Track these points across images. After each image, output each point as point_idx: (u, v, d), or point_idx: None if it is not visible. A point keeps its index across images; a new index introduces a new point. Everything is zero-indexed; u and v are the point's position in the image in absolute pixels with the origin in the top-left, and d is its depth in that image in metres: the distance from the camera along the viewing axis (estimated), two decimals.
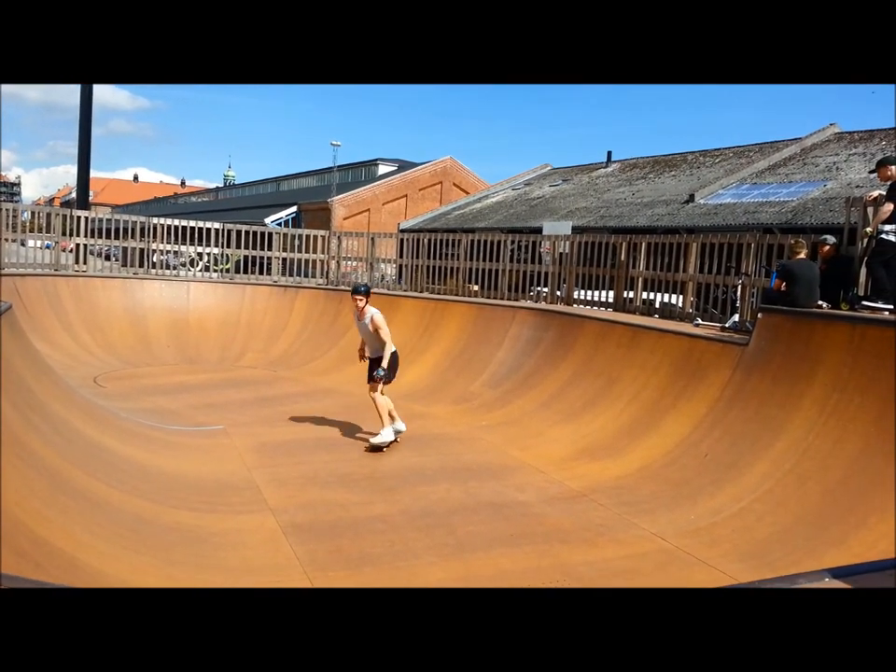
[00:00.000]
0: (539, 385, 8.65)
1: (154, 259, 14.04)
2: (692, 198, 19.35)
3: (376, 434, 7.13)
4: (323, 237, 15.37)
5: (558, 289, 11.82)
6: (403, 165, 41.79)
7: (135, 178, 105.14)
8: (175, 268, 14.44)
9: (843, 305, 6.83)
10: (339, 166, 42.34)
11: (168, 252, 14.38)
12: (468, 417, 8.38)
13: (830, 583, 2.39)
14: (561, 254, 11.89)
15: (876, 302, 6.50)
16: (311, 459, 6.64)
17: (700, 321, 8.89)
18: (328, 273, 15.05)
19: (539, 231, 15.89)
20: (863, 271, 6.97)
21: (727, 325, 8.24)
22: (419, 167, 39.33)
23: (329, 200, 35.31)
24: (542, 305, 11.12)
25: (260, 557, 4.53)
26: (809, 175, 18.36)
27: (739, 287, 8.71)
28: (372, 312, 7.41)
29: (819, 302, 6.87)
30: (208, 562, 4.37)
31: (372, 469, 6.47)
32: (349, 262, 15.36)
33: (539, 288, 12.11)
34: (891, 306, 6.41)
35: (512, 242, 13.02)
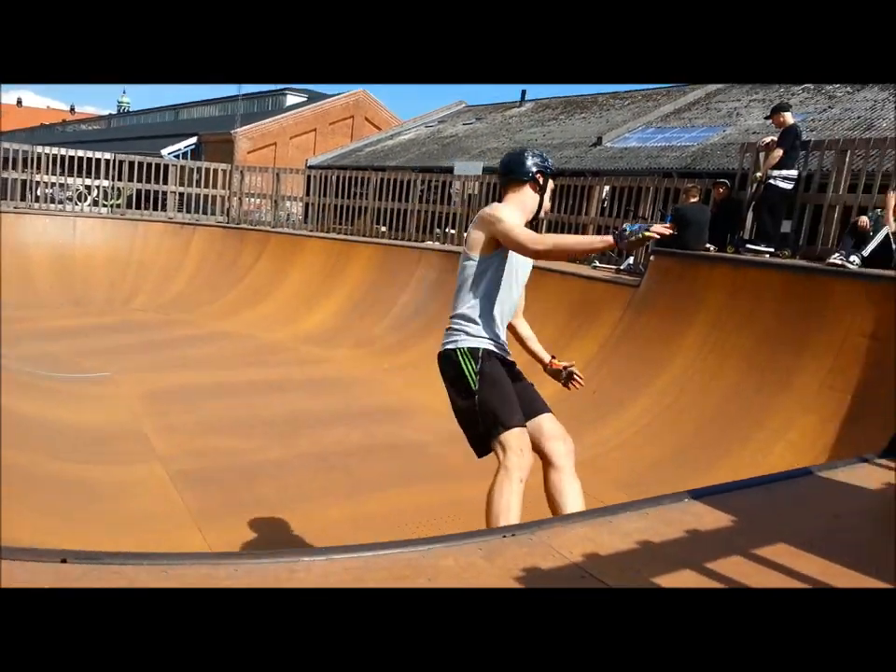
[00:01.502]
0: (440, 328, 8.60)
1: (38, 193, 12.94)
2: (599, 141, 19.55)
3: None
4: (224, 171, 14.59)
5: (465, 230, 11.79)
6: (313, 96, 39.95)
7: (19, 102, 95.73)
8: (61, 202, 13.39)
9: (729, 248, 7.15)
10: (243, 95, 39.98)
11: (54, 185, 13.28)
12: (369, 361, 8.35)
13: (690, 504, 2.61)
14: (470, 195, 11.81)
15: (760, 245, 6.84)
16: (204, 406, 6.46)
17: (598, 263, 9.11)
18: (228, 210, 14.36)
19: (450, 170, 15.70)
20: (750, 215, 7.29)
21: (622, 267, 8.49)
22: (330, 99, 37.72)
23: (232, 131, 33.42)
24: (449, 247, 11.08)
25: (147, 507, 4.41)
26: (711, 121, 18.87)
27: None
28: None
29: (708, 245, 7.16)
30: (90, 515, 4.22)
31: (269, 414, 6.36)
32: (252, 199, 14.70)
33: (447, 230, 12.04)
34: (772, 249, 6.76)
35: (423, 181, 12.81)
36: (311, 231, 13.36)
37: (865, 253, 5.56)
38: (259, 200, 14.69)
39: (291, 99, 40.36)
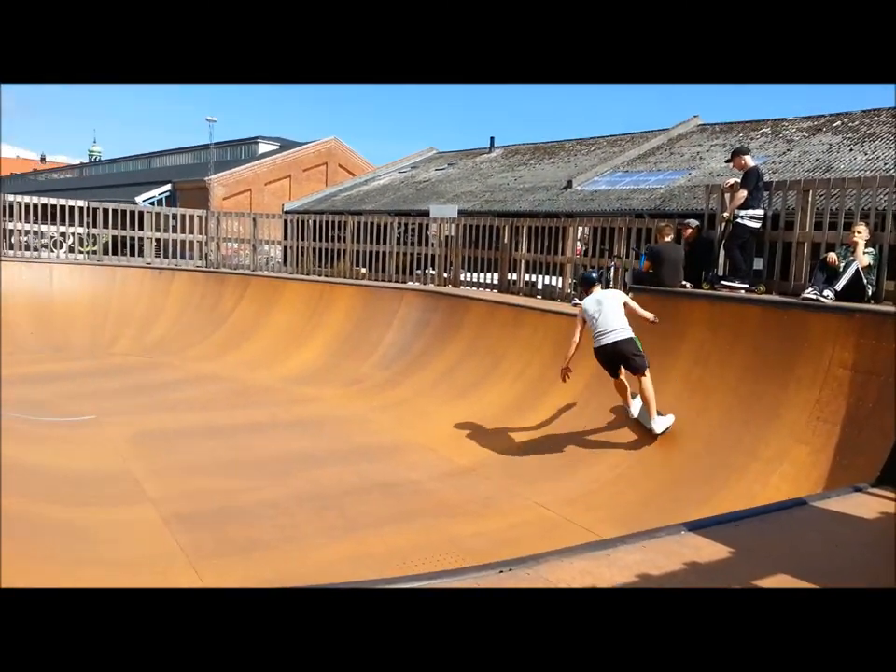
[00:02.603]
0: (428, 365, 8.77)
1: (12, 240, 12.84)
2: (570, 184, 20.15)
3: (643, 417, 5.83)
4: (200, 217, 14.65)
5: (445, 271, 11.98)
6: (285, 144, 40.50)
7: None
8: (36, 249, 13.29)
9: (704, 285, 7.39)
10: (216, 143, 40.37)
11: (28, 232, 13.19)
12: (359, 399, 8.36)
13: (686, 536, 2.63)
14: (447, 237, 12.04)
15: (734, 281, 7.08)
16: (193, 447, 6.39)
17: (577, 301, 9.32)
18: (207, 255, 14.38)
19: (426, 214, 15.98)
20: (722, 253, 7.57)
21: None
22: (302, 147, 38.29)
23: (206, 178, 33.69)
24: (430, 287, 11.24)
25: (141, 549, 4.35)
26: (676, 164, 19.59)
27: (612, 268, 9.20)
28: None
29: (683, 282, 7.40)
30: (85, 556, 4.15)
31: (260, 454, 6.33)
32: (230, 244, 14.75)
33: (426, 271, 12.21)
34: (747, 285, 7.01)
35: (400, 224, 13.02)
36: (291, 273, 13.42)
37: (838, 287, 5.80)
38: (237, 244, 14.75)
39: (263, 147, 40.80)
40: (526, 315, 8.44)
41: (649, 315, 6.15)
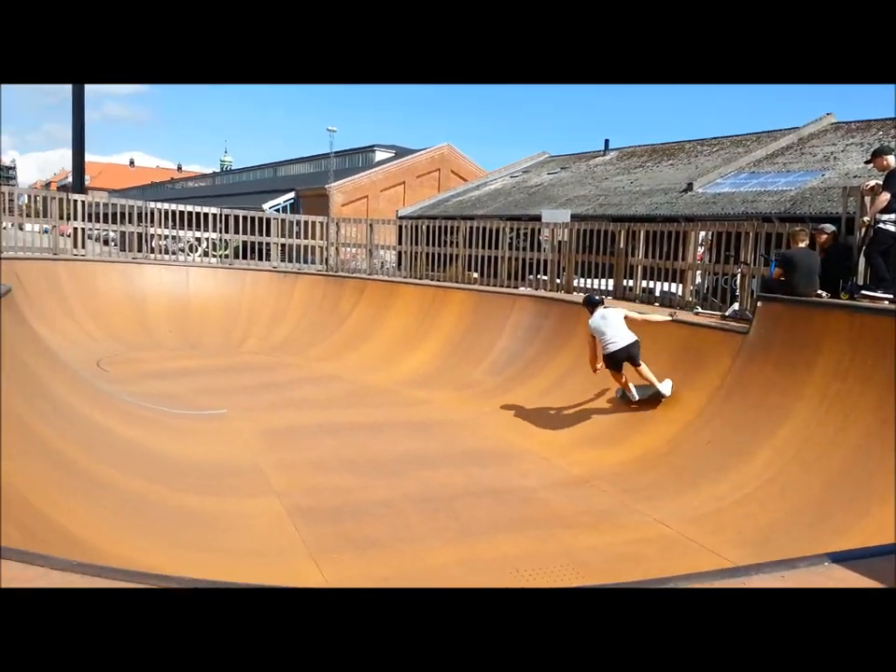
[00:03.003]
0: (540, 372, 8.69)
1: (153, 244, 13.99)
2: (690, 186, 19.33)
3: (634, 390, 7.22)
4: (321, 223, 15.32)
5: (557, 277, 11.84)
6: (400, 152, 41.55)
7: (131, 163, 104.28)
8: (173, 253, 14.40)
9: (842, 295, 6.87)
10: (336, 152, 42.09)
11: (167, 237, 14.32)
12: (470, 404, 8.42)
13: (831, 569, 2.43)
14: (560, 242, 11.90)
15: (876, 291, 6.54)
16: (314, 444, 6.68)
17: (700, 309, 8.93)
18: (327, 259, 15.02)
19: (537, 218, 15.88)
20: (862, 260, 7.01)
21: (727, 313, 8.28)
22: (416, 154, 39.12)
23: (326, 186, 35.13)
24: (542, 293, 11.14)
25: (265, 539, 4.58)
26: (807, 165, 18.35)
27: (738, 275, 8.75)
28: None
29: (819, 291, 6.90)
30: (213, 544, 4.41)
31: (375, 454, 6.51)
32: (348, 249, 15.33)
33: (538, 276, 12.12)
34: (891, 295, 6.45)
35: (511, 229, 13.01)
36: (405, 277, 13.76)
37: None
38: (354, 249, 15.30)
39: (380, 154, 42.09)
40: (643, 323, 8.16)
41: (659, 318, 7.83)
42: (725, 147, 23.04)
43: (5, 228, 12.56)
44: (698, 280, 9.94)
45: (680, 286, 9.89)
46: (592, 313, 7.48)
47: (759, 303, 6.93)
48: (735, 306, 8.35)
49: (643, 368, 7.07)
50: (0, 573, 1.50)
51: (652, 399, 7.12)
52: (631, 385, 7.19)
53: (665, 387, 7.02)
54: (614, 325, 7.20)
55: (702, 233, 10.16)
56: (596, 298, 7.82)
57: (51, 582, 1.40)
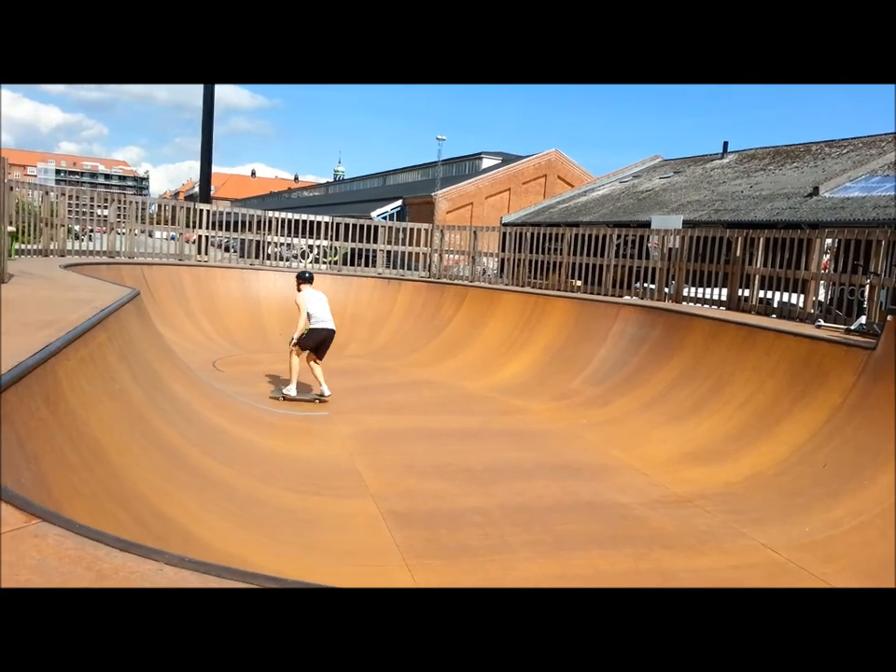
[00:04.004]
0: (643, 384, 8.39)
1: (269, 251, 14.74)
2: (816, 191, 18.09)
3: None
4: (426, 230, 15.58)
5: (666, 286, 11.40)
6: (507, 158, 41.61)
7: (253, 174, 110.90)
8: (287, 259, 15.11)
9: None
10: (443, 160, 42.77)
11: (281, 244, 15.06)
12: (567, 414, 8.26)
13: None
14: (670, 249, 11.46)
15: None
16: (410, 448, 6.77)
17: (822, 322, 8.32)
18: (430, 265, 15.25)
19: (647, 225, 15.38)
20: None
21: (853, 327, 7.66)
22: (523, 160, 39.03)
23: (432, 194, 35.75)
24: (648, 302, 10.77)
25: (361, 541, 4.67)
26: None
27: (867, 286, 8.08)
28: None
29: None
30: (312, 543, 4.56)
31: (469, 461, 6.51)
32: (451, 255, 15.49)
33: (645, 285, 11.73)
34: None
35: (618, 236, 12.68)
36: (506, 284, 13.72)
37: None
38: (457, 256, 15.44)
39: (487, 162, 42.31)
40: (758, 335, 7.70)
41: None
42: (857, 148, 21.41)
43: (136, 235, 13.65)
44: (822, 291, 9.26)
45: (801, 296, 9.25)
46: (301, 287, 8.33)
47: (889, 317, 6.37)
48: (862, 319, 7.72)
49: (321, 364, 8.10)
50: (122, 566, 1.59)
51: (310, 400, 8.02)
52: (322, 382, 8.02)
53: (327, 389, 7.98)
54: (326, 308, 8.21)
55: (828, 241, 9.44)
56: (307, 275, 8.52)
57: (167, 578, 1.49)
